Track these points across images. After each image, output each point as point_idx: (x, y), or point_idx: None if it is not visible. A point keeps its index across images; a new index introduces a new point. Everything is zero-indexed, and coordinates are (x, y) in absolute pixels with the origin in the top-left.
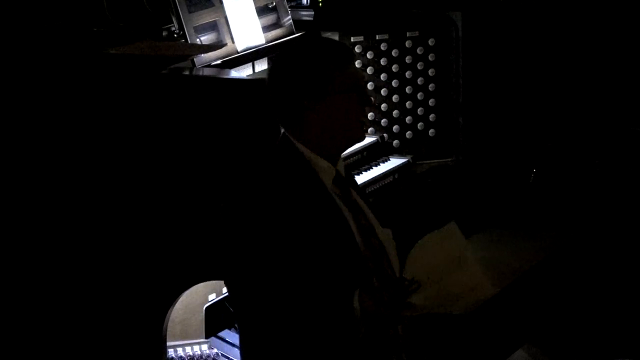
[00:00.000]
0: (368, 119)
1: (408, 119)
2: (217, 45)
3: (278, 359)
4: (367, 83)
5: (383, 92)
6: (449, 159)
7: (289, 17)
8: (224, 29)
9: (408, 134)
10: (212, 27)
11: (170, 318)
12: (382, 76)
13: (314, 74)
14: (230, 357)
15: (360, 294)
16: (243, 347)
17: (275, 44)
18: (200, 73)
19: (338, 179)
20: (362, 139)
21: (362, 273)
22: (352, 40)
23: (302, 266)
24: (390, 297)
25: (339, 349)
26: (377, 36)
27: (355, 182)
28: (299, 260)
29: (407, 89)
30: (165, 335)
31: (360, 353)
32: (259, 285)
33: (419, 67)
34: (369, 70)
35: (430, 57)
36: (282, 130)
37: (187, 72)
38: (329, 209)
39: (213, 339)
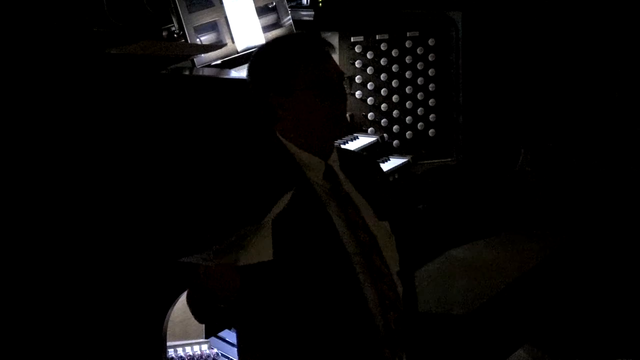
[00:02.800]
0: (344, 114)
1: (408, 119)
2: (217, 45)
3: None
4: (367, 83)
5: (383, 92)
6: (449, 159)
7: (289, 17)
8: (224, 29)
9: (408, 134)
10: (212, 27)
11: (170, 318)
12: (382, 76)
13: (277, 70)
14: (230, 357)
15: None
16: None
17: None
18: (200, 73)
19: (329, 173)
20: (340, 134)
21: (343, 268)
22: (352, 40)
23: (279, 262)
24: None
25: (317, 342)
26: (377, 36)
27: (369, 172)
28: (276, 255)
29: (407, 89)
30: (165, 335)
31: (341, 348)
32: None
33: (419, 67)
34: (369, 70)
35: (430, 57)
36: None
37: (187, 72)
38: (309, 205)
39: (213, 339)
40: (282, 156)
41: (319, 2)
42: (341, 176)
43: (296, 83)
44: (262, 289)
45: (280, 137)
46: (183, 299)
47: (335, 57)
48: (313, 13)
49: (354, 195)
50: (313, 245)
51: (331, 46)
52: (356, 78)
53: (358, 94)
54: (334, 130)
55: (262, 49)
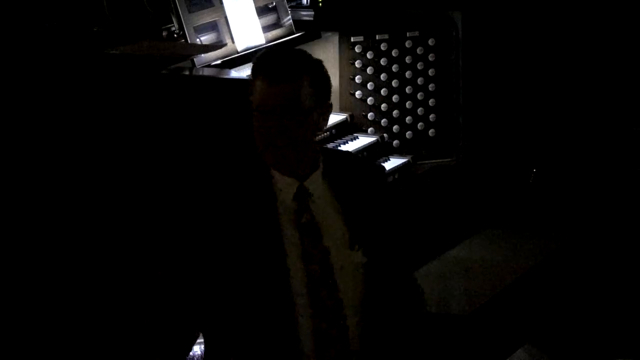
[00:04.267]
0: (287, 146)
1: (408, 119)
2: (217, 45)
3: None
4: (367, 83)
5: (383, 92)
6: (449, 159)
7: (289, 17)
8: (224, 29)
9: (408, 134)
10: (212, 27)
11: None
12: (382, 76)
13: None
14: None
15: None
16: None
17: (275, 44)
18: (200, 73)
19: (301, 194)
20: (283, 164)
21: (280, 300)
22: (352, 40)
23: (222, 282)
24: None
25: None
26: (377, 36)
27: (367, 182)
28: (215, 267)
29: (407, 89)
30: None
31: None
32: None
33: (419, 67)
34: (369, 70)
35: (430, 57)
36: None
37: (187, 72)
38: (264, 227)
39: None
40: (257, 171)
41: (319, 2)
42: (317, 195)
43: (251, 101)
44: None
45: None
46: None
47: (335, 57)
48: (313, 13)
49: (326, 219)
50: (255, 271)
51: (303, 70)
52: (356, 78)
53: (358, 94)
54: (274, 159)
55: None
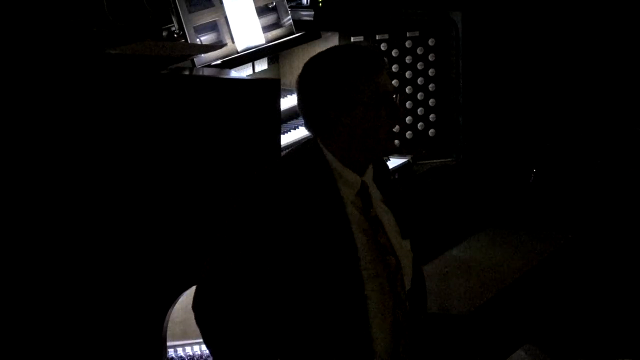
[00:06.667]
0: (394, 131)
1: (408, 119)
2: (217, 45)
3: None
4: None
5: None
6: (449, 159)
7: (289, 17)
8: (224, 29)
9: (408, 134)
10: (212, 27)
11: (170, 318)
12: None
13: (339, 86)
14: None
15: None
16: None
17: (275, 44)
18: (200, 73)
19: (363, 191)
20: (391, 151)
21: (354, 296)
22: (352, 40)
23: (289, 280)
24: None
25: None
26: (377, 36)
27: (394, 183)
28: (287, 273)
29: (407, 89)
30: (165, 335)
31: None
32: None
33: (419, 67)
34: None
35: (430, 57)
36: (313, 136)
37: (187, 72)
38: (333, 223)
39: None
40: (316, 167)
41: (319, 2)
42: (373, 192)
43: (358, 98)
44: (269, 305)
45: (323, 148)
46: (183, 299)
47: None
48: (313, 13)
49: (384, 214)
50: (327, 266)
51: (383, 61)
52: None
53: None
54: (388, 145)
55: (315, 62)
